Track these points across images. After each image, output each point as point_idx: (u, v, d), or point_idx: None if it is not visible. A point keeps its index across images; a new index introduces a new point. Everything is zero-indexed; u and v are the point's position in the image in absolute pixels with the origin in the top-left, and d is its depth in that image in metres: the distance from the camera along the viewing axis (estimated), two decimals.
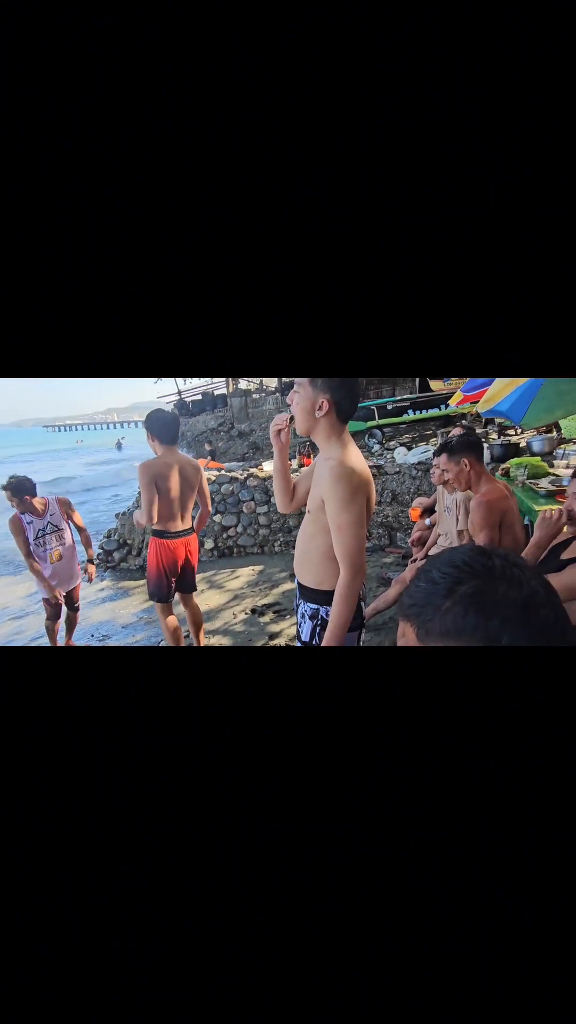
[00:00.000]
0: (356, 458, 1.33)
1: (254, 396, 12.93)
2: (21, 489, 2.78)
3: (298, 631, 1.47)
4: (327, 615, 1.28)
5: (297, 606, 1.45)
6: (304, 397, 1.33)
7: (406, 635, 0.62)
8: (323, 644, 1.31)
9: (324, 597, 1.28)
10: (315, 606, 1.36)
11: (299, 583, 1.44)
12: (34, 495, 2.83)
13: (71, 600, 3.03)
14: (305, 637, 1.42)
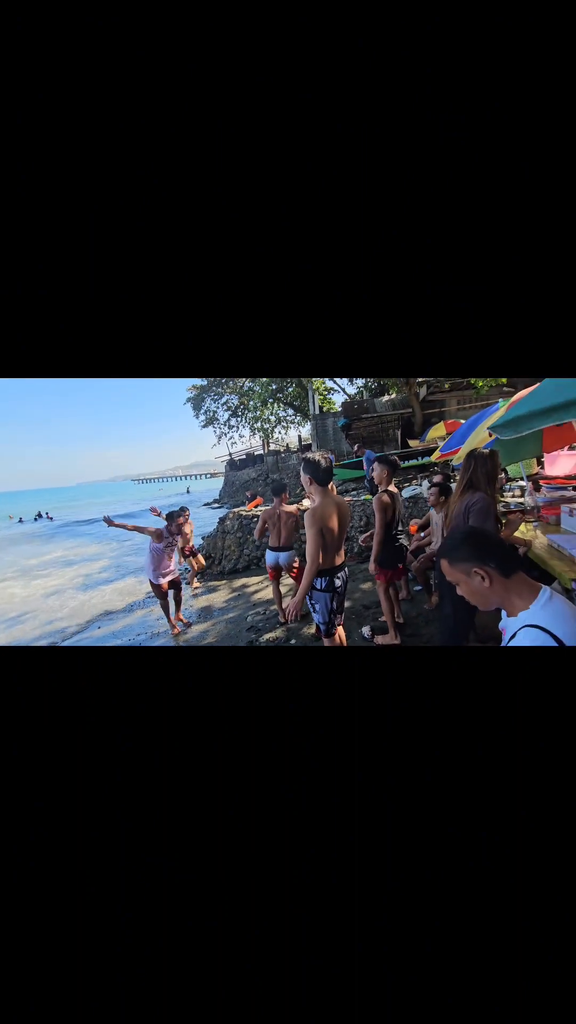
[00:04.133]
0: (322, 505, 2.36)
1: (282, 455, 18.25)
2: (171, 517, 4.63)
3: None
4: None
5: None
6: (303, 478, 2.47)
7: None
8: (295, 598, 2.35)
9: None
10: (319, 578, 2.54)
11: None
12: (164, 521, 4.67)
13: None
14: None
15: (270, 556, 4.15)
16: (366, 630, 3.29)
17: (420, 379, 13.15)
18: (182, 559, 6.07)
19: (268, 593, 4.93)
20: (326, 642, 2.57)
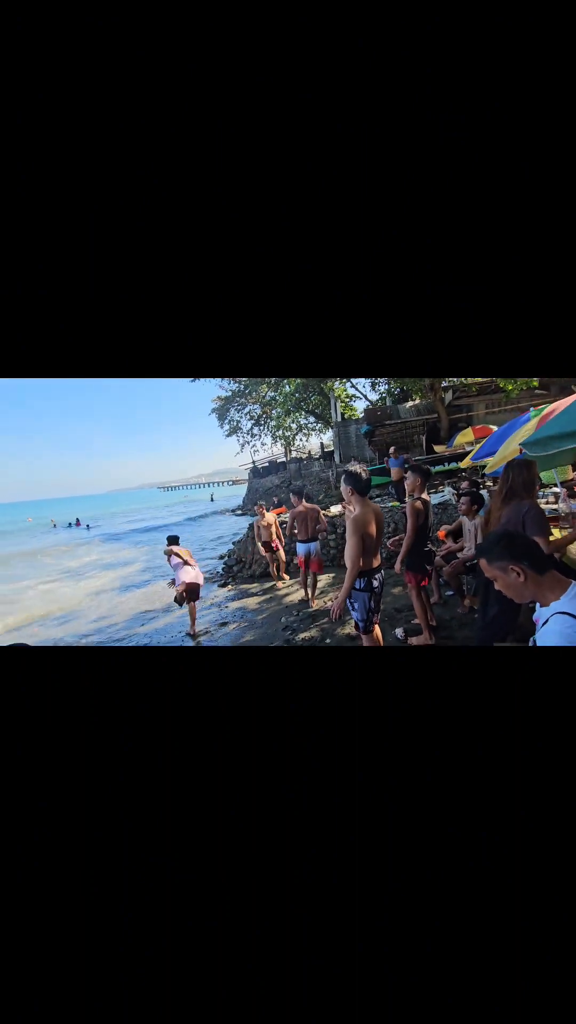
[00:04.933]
0: (362, 513, 2.58)
1: (304, 462, 18.67)
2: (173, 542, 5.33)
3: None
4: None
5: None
6: (344, 489, 2.68)
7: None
8: (338, 599, 2.60)
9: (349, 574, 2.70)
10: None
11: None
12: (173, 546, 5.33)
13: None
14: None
15: (301, 548, 5.03)
16: (400, 631, 3.44)
17: (445, 383, 13.04)
18: (264, 551, 6.40)
19: (299, 595, 5.54)
20: (364, 639, 2.82)
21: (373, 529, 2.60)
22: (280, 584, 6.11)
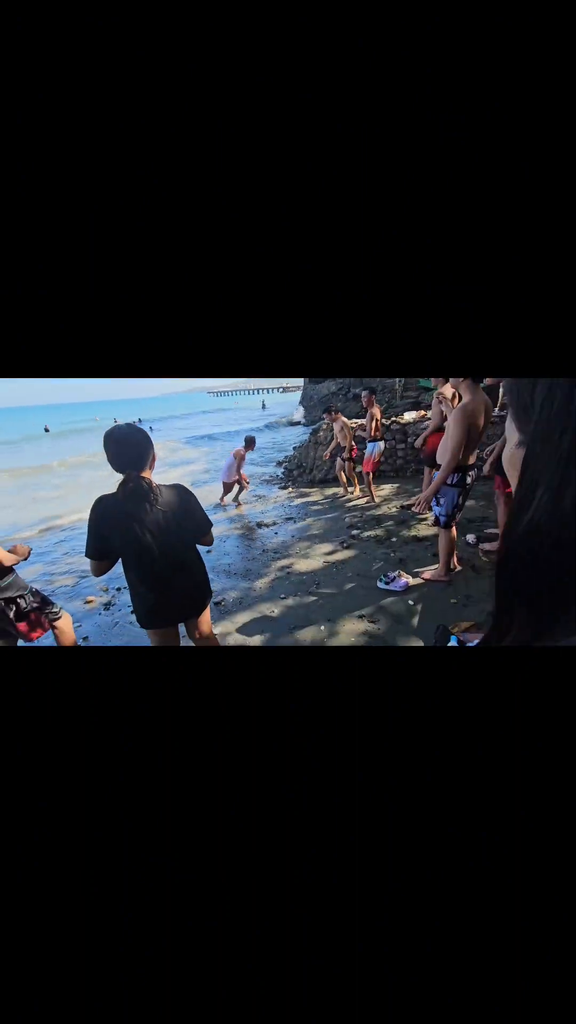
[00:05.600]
0: (473, 402, 2.41)
1: None
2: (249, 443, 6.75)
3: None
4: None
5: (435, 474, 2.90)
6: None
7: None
8: (428, 489, 2.52)
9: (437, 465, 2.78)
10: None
11: (437, 462, 2.81)
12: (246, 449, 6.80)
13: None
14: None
15: (370, 446, 5.67)
16: (471, 536, 3.43)
17: None
18: (340, 456, 6.69)
19: (359, 500, 6.18)
20: (441, 534, 2.83)
21: (481, 421, 2.47)
22: (355, 491, 6.28)
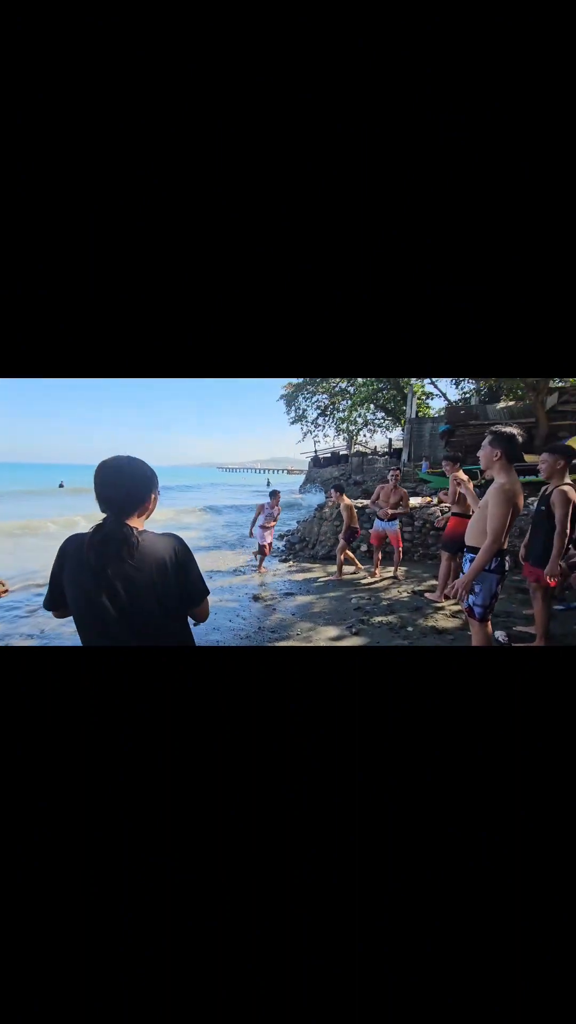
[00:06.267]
0: (511, 482, 2.30)
1: (368, 457, 18.13)
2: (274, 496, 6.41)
3: (462, 569, 2.63)
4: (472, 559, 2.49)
5: (464, 558, 2.65)
6: (488, 452, 2.38)
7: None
8: (467, 574, 2.34)
9: (475, 551, 2.46)
10: (472, 555, 2.51)
11: (467, 544, 2.61)
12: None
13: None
14: (464, 569, 2.52)
15: (379, 524, 5.61)
16: (502, 634, 3.07)
17: (551, 385, 11.75)
18: (345, 538, 6.29)
19: (363, 580, 5.85)
20: (476, 627, 2.49)
21: (520, 502, 2.28)
22: (358, 571, 5.96)
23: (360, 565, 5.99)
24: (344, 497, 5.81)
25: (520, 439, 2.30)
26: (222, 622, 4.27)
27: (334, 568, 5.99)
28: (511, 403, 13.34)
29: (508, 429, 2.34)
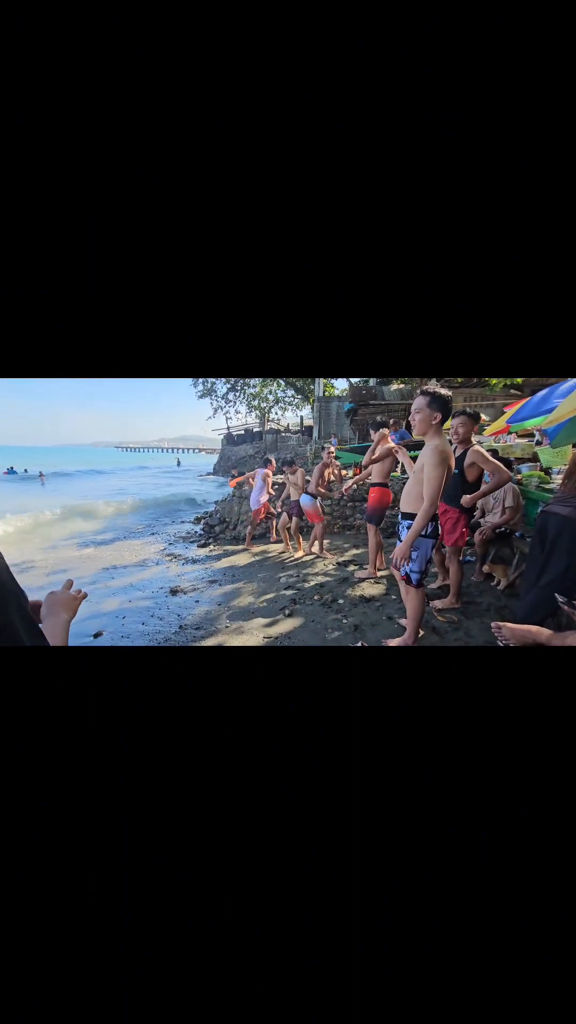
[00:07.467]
0: (444, 443, 2.25)
1: (282, 434, 18.79)
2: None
3: (398, 536, 2.55)
4: (408, 527, 2.44)
5: (400, 525, 2.60)
6: (423, 415, 2.31)
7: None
8: (404, 541, 2.28)
9: (412, 517, 2.41)
10: (408, 522, 2.46)
11: (402, 511, 2.52)
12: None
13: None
14: (401, 537, 2.45)
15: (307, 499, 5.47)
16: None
17: None
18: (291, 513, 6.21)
19: (288, 558, 5.59)
20: (412, 593, 2.45)
21: (453, 463, 2.29)
22: (297, 550, 5.75)
23: (301, 542, 5.85)
24: (300, 470, 5.71)
25: (450, 398, 2.28)
26: (132, 627, 3.55)
27: (258, 548, 5.90)
28: (401, 386, 14.21)
29: (443, 390, 2.32)
